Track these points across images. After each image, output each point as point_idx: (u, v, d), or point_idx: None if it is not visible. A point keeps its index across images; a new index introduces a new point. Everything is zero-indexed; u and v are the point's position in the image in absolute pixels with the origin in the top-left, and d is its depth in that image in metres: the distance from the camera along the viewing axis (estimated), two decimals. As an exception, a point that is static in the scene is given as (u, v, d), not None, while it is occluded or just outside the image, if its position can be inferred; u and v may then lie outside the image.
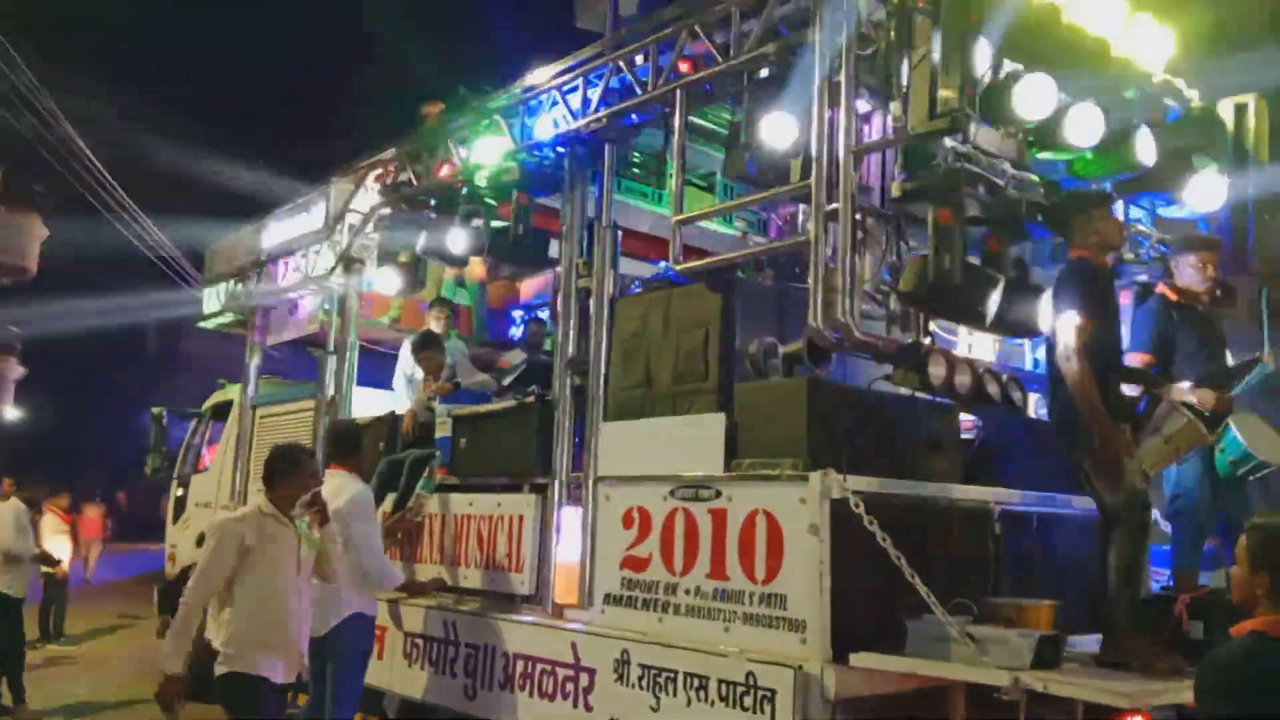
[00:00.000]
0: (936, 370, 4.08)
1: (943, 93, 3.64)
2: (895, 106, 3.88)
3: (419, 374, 6.95)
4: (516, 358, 7.44)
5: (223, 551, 4.45)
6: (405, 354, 7.54)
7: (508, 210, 6.06)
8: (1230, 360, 4.97)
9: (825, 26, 4.18)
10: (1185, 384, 4.26)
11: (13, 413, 26.75)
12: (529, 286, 9.21)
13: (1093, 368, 3.89)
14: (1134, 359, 4.52)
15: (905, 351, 4.16)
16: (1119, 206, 5.20)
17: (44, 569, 10.21)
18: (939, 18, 3.70)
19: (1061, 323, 3.98)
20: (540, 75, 5.73)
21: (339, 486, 5.16)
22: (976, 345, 5.05)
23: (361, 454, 5.56)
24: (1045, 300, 4.23)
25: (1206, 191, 5.21)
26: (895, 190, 4.10)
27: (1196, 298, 4.67)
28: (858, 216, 4.14)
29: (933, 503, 4.42)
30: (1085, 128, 4.13)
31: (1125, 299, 5.01)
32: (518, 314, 9.40)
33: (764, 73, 4.47)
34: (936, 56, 3.68)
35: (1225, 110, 5.40)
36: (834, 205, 4.05)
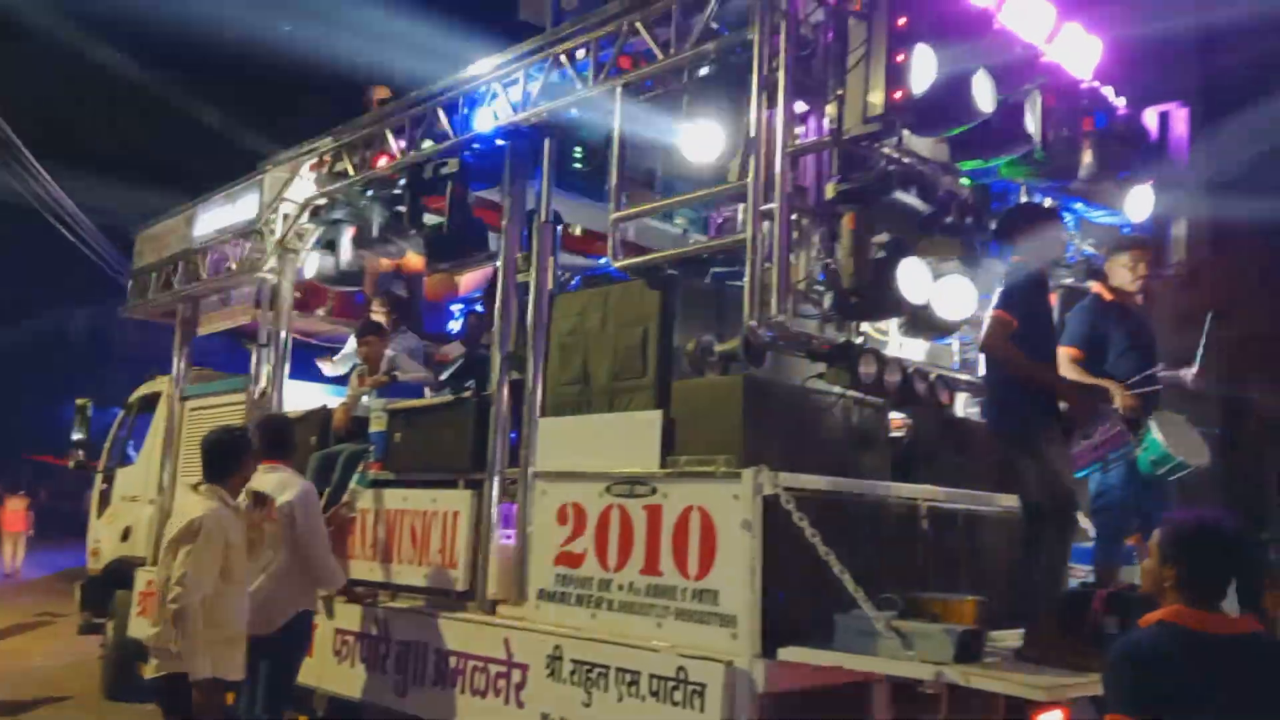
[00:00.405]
0: (867, 369, 4.16)
1: (874, 96, 3.71)
2: (831, 108, 3.94)
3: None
4: (455, 351, 7.39)
5: (214, 546, 4.40)
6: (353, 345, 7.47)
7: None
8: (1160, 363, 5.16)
9: (764, 27, 4.23)
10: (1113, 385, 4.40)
11: None
12: (468, 280, 9.15)
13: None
14: (1062, 353, 4.66)
15: (837, 350, 4.23)
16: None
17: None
18: (873, 21, 3.76)
19: (988, 319, 4.08)
20: (481, 67, 5.70)
21: (282, 482, 5.09)
22: (906, 346, 5.16)
23: (293, 449, 5.50)
24: (969, 301, 4.34)
25: (1135, 197, 5.39)
26: (829, 191, 4.17)
27: (1129, 297, 4.82)
28: (793, 217, 4.21)
29: (863, 500, 4.50)
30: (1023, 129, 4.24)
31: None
32: (457, 308, 9.33)
33: (703, 71, 4.50)
34: (870, 60, 3.74)
35: (1150, 118, 5.58)
36: (770, 205, 4.10)
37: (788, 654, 3.88)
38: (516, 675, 4.72)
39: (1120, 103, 5.39)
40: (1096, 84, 5.26)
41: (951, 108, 3.94)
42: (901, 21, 3.72)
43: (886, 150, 4.08)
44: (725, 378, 4.41)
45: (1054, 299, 5.08)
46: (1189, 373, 4.90)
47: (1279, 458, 14.36)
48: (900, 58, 3.72)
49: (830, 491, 4.30)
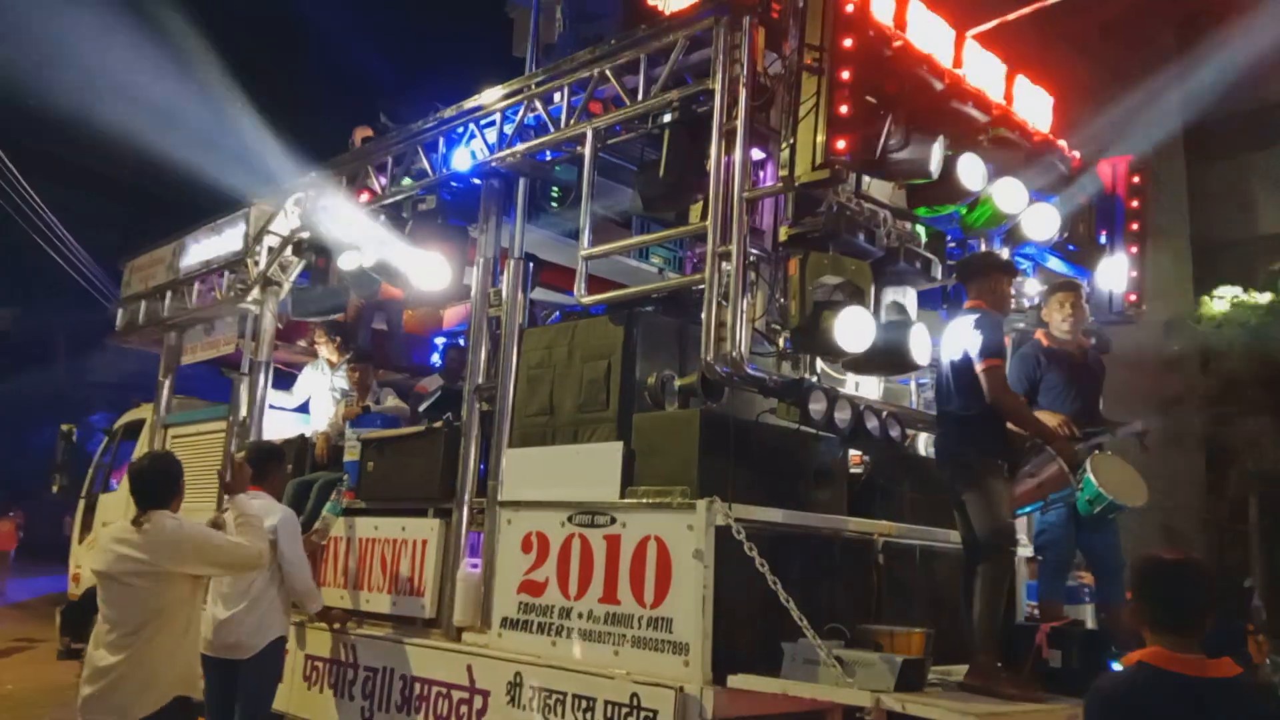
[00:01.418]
0: (816, 406, 4.32)
1: (822, 146, 3.90)
2: (784, 156, 4.13)
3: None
4: (433, 384, 7.54)
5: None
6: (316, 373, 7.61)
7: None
8: (1101, 405, 5.33)
9: (724, 77, 4.45)
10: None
11: None
12: (453, 314, 9.32)
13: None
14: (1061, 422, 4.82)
15: (788, 387, 4.39)
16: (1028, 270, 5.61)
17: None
18: (823, 75, 3.97)
19: (983, 369, 4.22)
20: (460, 107, 5.92)
21: (265, 508, 5.21)
22: (863, 384, 5.33)
23: (282, 474, 5.63)
24: (919, 343, 4.52)
25: (1083, 242, 5.60)
26: (782, 235, 4.36)
27: (1069, 341, 4.99)
28: (751, 258, 4.40)
29: (816, 532, 4.65)
30: (969, 182, 4.45)
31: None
32: (440, 340, 9.49)
33: (667, 118, 4.71)
34: (819, 111, 3.95)
35: (1103, 169, 5.81)
36: (726, 247, 4.29)
37: (737, 681, 4.01)
38: (478, 701, 4.83)
39: (1073, 155, 5.62)
40: (1050, 137, 5.48)
41: (901, 163, 4.13)
42: (846, 75, 3.92)
43: (840, 197, 4.26)
44: (683, 411, 4.57)
45: (1008, 341, 5.29)
46: (1134, 428, 5.07)
47: (1261, 502, 14.51)
48: (847, 110, 3.91)
49: (783, 524, 4.45)
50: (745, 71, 4.38)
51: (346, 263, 6.31)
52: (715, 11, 4.54)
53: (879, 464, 5.17)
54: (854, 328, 4.10)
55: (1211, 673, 2.59)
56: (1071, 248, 5.61)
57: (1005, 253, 5.59)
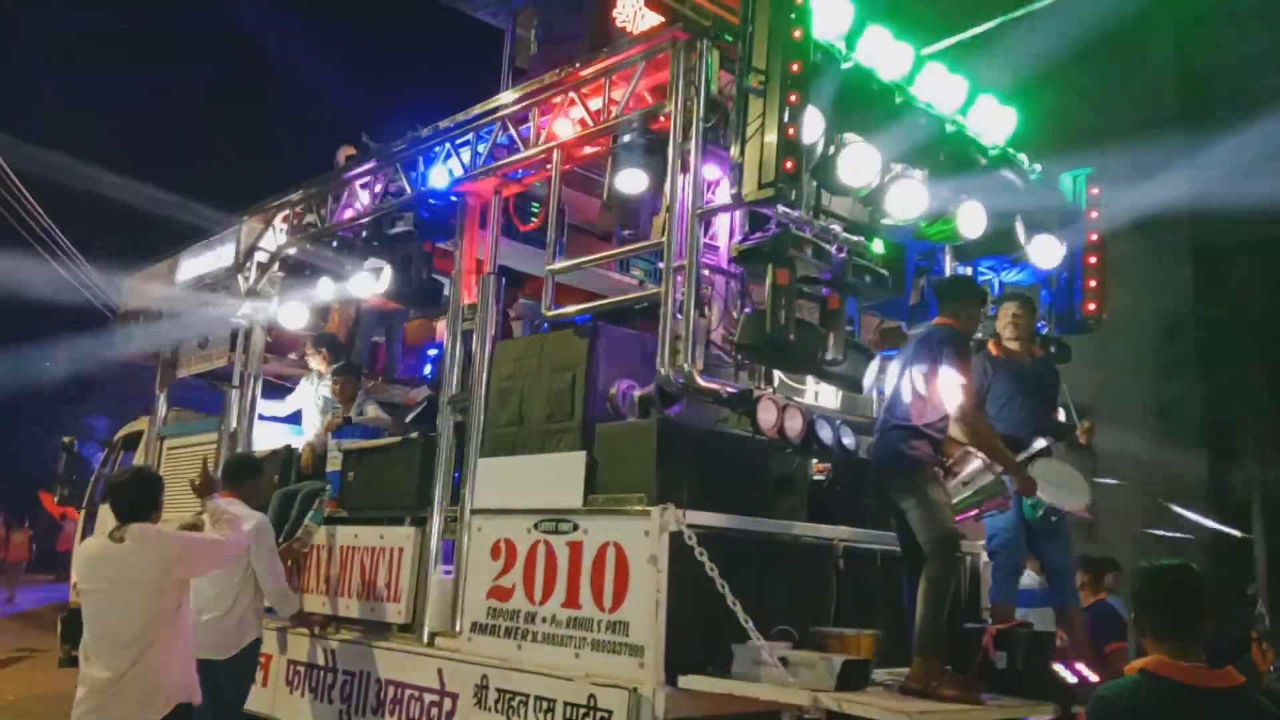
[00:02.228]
0: (765, 415, 4.48)
1: (768, 165, 4.07)
2: (734, 174, 4.30)
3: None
4: (421, 394, 7.72)
5: None
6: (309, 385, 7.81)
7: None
8: (1062, 415, 5.46)
9: (679, 100, 4.63)
10: None
11: None
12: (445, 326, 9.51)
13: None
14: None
15: (738, 398, 4.55)
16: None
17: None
18: (768, 97, 4.13)
19: (950, 384, 4.37)
20: (436, 127, 6.11)
21: (241, 514, 5.40)
22: (822, 394, 5.49)
23: (258, 484, 5.81)
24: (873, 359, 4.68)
25: (1042, 247, 5.73)
26: (733, 250, 4.52)
27: (1015, 351, 5.14)
28: (705, 272, 4.57)
29: (774, 538, 4.80)
30: (906, 201, 4.60)
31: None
32: (433, 352, 9.68)
33: (627, 138, 4.88)
34: (765, 132, 4.11)
35: (1065, 181, 5.95)
36: (680, 262, 4.46)
37: (687, 682, 4.16)
38: (448, 704, 4.99)
39: (1035, 167, 5.76)
40: (1010, 151, 5.64)
41: (843, 181, 4.30)
42: (793, 98, 4.08)
43: (794, 212, 4.42)
44: (642, 421, 4.73)
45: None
46: (1078, 431, 5.21)
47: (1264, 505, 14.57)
48: (792, 131, 4.08)
49: (738, 529, 4.60)
50: (699, 93, 4.57)
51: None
52: (673, 35, 4.73)
53: (841, 472, 5.31)
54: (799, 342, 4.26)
55: (1213, 682, 2.64)
56: (1027, 263, 5.73)
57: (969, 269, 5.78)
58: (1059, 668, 4.26)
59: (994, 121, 5.62)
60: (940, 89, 5.32)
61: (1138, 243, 15.42)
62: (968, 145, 5.28)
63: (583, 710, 4.33)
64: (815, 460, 5.35)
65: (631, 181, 4.78)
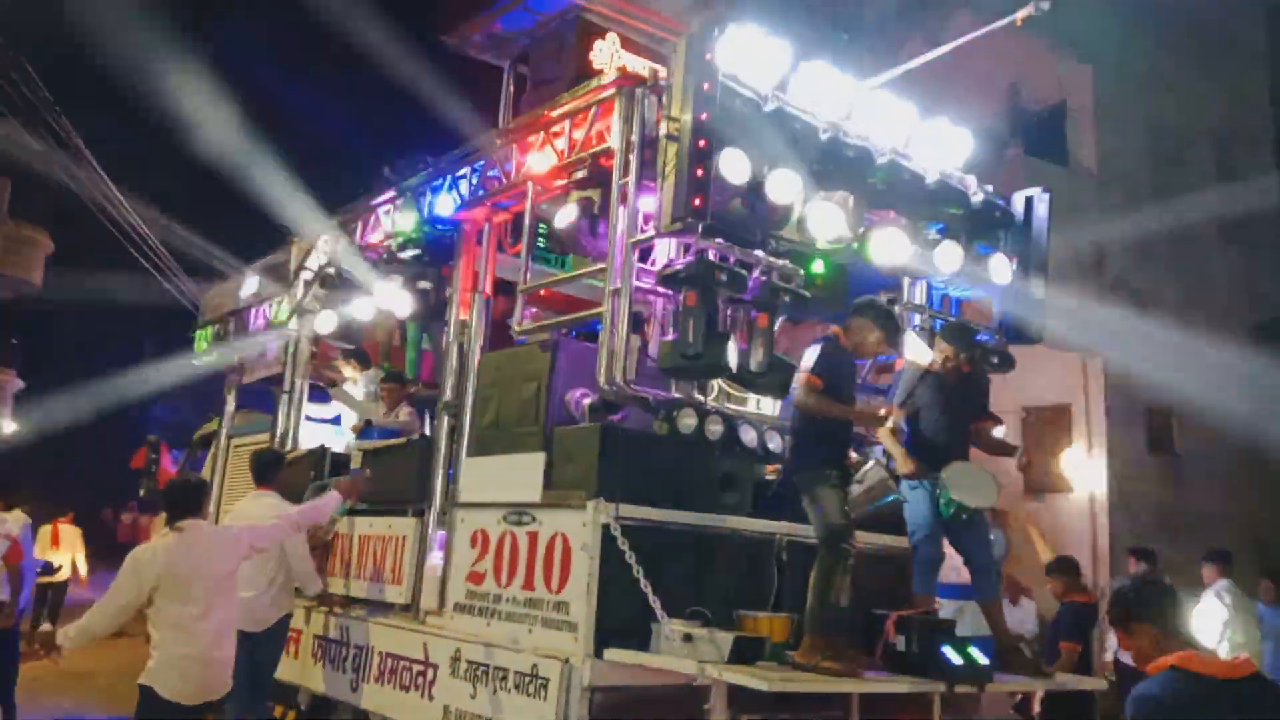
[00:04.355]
0: (686, 421, 5.10)
1: (679, 201, 4.71)
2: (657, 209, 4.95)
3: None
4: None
5: None
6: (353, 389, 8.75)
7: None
8: (1001, 432, 5.91)
9: (621, 140, 5.30)
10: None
11: (10, 426, 27.14)
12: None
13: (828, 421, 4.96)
14: (886, 410, 5.51)
15: (661, 405, 5.19)
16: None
17: (47, 579, 11.52)
18: (680, 144, 4.77)
19: (798, 379, 4.98)
20: (443, 160, 6.92)
21: (271, 505, 6.33)
22: (764, 403, 6.06)
23: (283, 476, 6.72)
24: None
25: (995, 266, 6.18)
26: (658, 276, 5.17)
27: (943, 366, 5.62)
28: (645, 294, 5.22)
29: (712, 531, 5.40)
30: (822, 224, 5.17)
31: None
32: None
33: (580, 174, 5.58)
34: (677, 173, 4.75)
35: (1018, 201, 6.37)
36: (616, 285, 5.14)
37: (610, 654, 4.83)
38: (430, 673, 5.77)
39: (984, 190, 6.20)
40: (958, 174, 6.09)
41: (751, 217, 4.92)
42: (701, 143, 4.71)
43: (712, 241, 5.03)
44: (589, 425, 5.40)
45: (900, 364, 5.95)
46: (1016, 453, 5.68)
47: None
48: (699, 172, 4.70)
49: (673, 522, 5.23)
50: (636, 136, 5.23)
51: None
52: (617, 83, 5.41)
53: (783, 472, 5.86)
54: (706, 355, 4.88)
55: (1238, 672, 2.95)
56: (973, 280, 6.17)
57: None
58: (949, 649, 4.75)
59: (944, 146, 6.09)
60: (881, 118, 5.83)
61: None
62: (900, 172, 5.76)
63: (527, 678, 5.05)
64: (768, 463, 5.93)
65: (564, 216, 5.48)
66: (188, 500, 5.30)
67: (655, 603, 4.69)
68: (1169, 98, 15.27)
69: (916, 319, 6.38)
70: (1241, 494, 14.29)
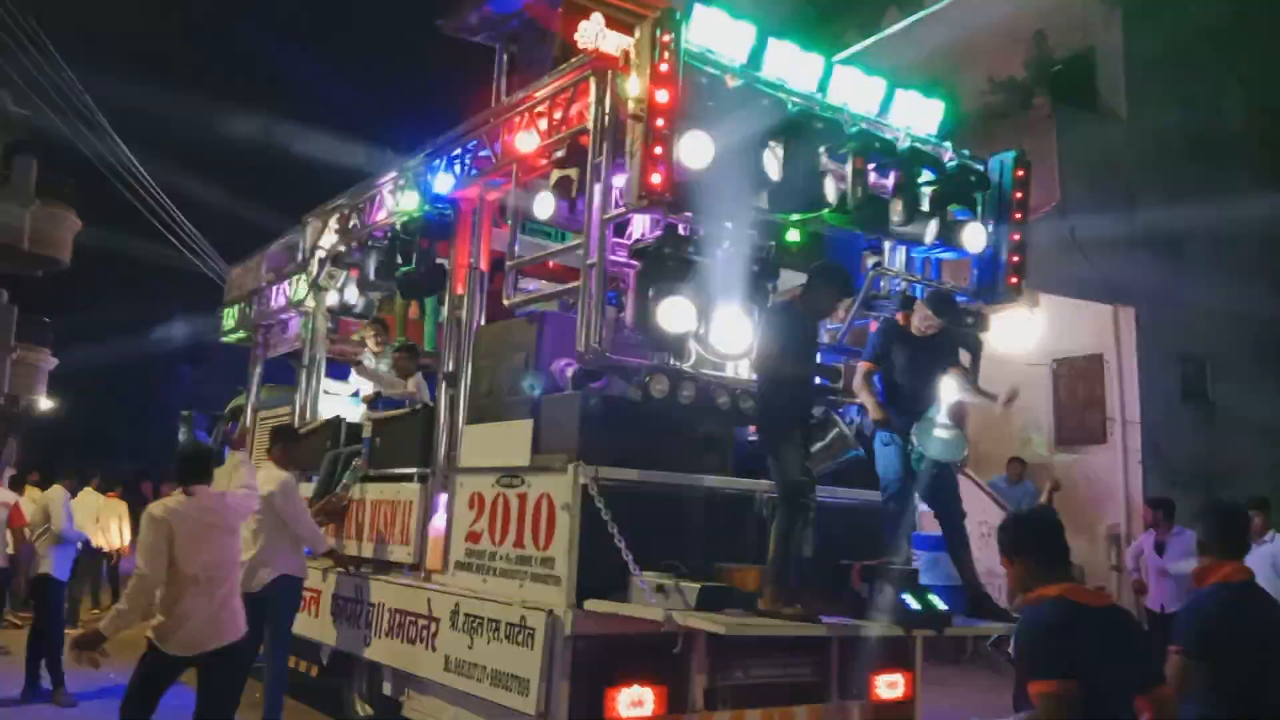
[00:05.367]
0: (658, 386, 5.52)
1: (640, 182, 5.10)
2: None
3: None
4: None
5: None
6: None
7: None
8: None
9: (594, 121, 5.68)
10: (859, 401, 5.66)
11: (46, 403, 28.27)
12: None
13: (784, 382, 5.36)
14: (860, 366, 5.89)
15: (633, 371, 5.61)
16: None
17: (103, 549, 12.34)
18: (643, 123, 5.15)
19: (761, 350, 5.38)
20: (440, 140, 7.35)
21: (268, 475, 6.88)
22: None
23: (291, 447, 7.26)
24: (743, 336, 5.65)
25: (970, 233, 6.49)
26: (630, 250, 5.57)
27: (923, 330, 5.96)
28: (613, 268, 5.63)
29: (691, 489, 5.82)
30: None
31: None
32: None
33: (559, 154, 5.97)
34: (640, 153, 5.13)
35: (995, 164, 6.66)
36: (591, 260, 5.55)
37: (590, 605, 5.30)
38: (433, 627, 6.31)
39: (958, 155, 6.50)
40: (926, 141, 6.40)
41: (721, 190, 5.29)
42: (660, 123, 5.08)
43: (680, 216, 5.41)
44: (572, 393, 5.85)
45: (874, 326, 6.31)
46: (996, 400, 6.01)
47: None
48: (659, 151, 5.08)
49: (652, 482, 5.66)
50: (609, 116, 5.61)
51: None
52: (591, 66, 5.78)
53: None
54: (673, 314, 5.29)
55: (1103, 602, 3.32)
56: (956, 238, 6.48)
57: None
58: (908, 596, 5.15)
59: (918, 115, 6.41)
60: (853, 90, 6.16)
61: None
62: (873, 141, 6.08)
63: (516, 629, 5.55)
64: (751, 425, 6.33)
65: (542, 204, 5.91)
66: (197, 467, 5.58)
67: (628, 556, 5.14)
68: (1200, 41, 15.15)
69: (899, 283, 6.70)
70: (1278, 441, 14.34)
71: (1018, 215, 6.54)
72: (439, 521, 6.72)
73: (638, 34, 5.28)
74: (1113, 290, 14.10)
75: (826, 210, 5.95)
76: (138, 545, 5.47)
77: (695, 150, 5.28)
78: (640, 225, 6.44)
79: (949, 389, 5.92)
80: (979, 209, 6.58)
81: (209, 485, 5.68)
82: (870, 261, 6.91)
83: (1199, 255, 14.16)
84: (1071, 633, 3.15)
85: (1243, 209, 15.51)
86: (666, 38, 5.16)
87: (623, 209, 5.49)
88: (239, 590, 5.53)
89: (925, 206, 6.33)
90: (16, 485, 11.04)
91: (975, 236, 6.43)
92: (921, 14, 17.05)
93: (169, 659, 5.16)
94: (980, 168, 6.64)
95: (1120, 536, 13.54)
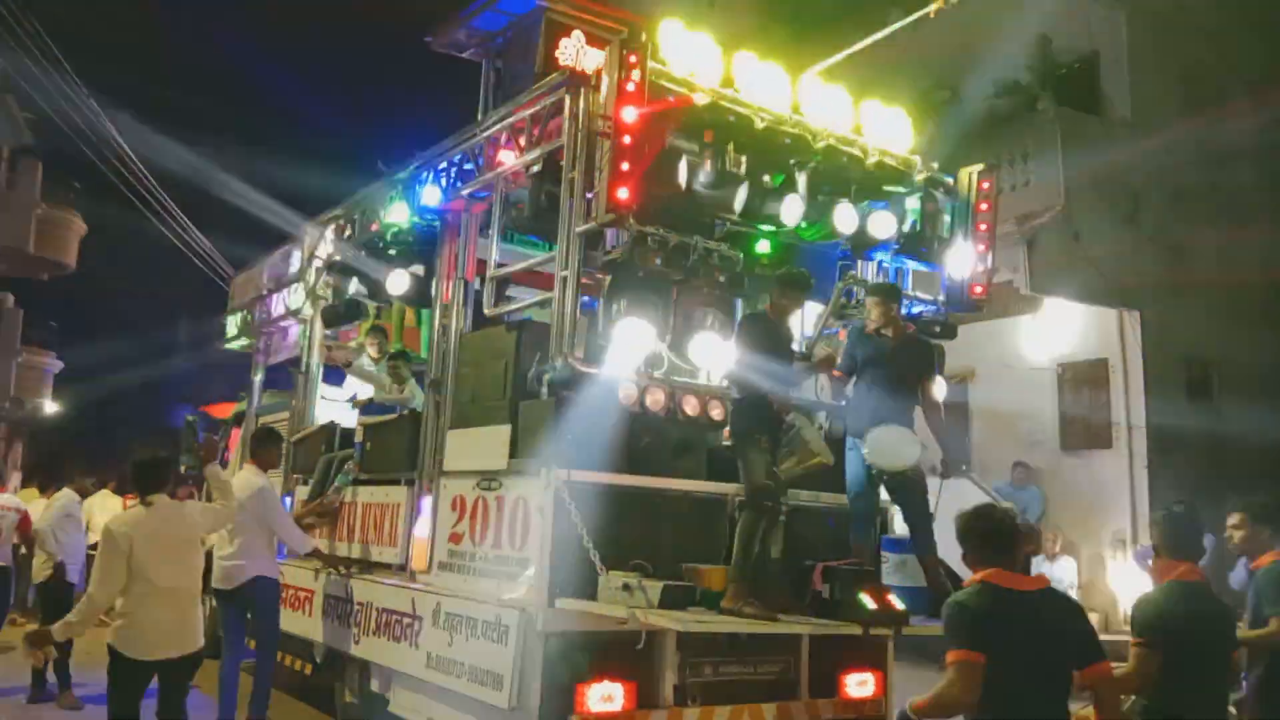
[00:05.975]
0: (625, 393, 5.80)
1: (607, 198, 5.39)
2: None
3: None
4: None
5: None
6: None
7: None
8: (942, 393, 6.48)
9: (568, 135, 5.98)
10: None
11: (51, 406, 28.62)
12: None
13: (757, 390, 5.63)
14: (833, 375, 6.16)
15: (605, 379, 5.89)
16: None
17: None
18: (612, 141, 5.44)
19: (736, 360, 5.65)
20: (429, 154, 7.66)
21: (245, 479, 7.22)
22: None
23: (272, 449, 7.61)
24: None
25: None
26: (600, 260, 5.86)
27: (878, 332, 6.21)
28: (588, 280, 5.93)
29: (662, 493, 6.09)
30: (788, 211, 5.84)
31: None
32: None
33: (536, 168, 6.26)
34: (609, 169, 5.42)
35: (962, 177, 6.91)
36: (564, 271, 5.84)
37: (561, 603, 5.59)
38: (416, 625, 6.61)
39: (926, 170, 6.75)
40: (888, 154, 6.66)
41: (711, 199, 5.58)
42: (626, 140, 5.37)
43: (645, 228, 5.70)
44: (547, 399, 6.13)
45: (844, 335, 6.57)
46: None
47: None
48: (626, 166, 5.37)
49: (623, 486, 5.93)
50: (582, 131, 5.90)
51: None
52: (565, 84, 6.08)
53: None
54: (634, 331, 5.58)
55: (1031, 586, 3.73)
56: (923, 249, 6.74)
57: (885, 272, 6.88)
58: (866, 596, 5.41)
59: (885, 127, 6.67)
60: (822, 105, 6.43)
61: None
62: (838, 156, 6.35)
63: (492, 626, 5.84)
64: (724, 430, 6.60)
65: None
66: (156, 476, 5.64)
67: (595, 556, 5.42)
68: (1204, 44, 15.30)
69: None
70: (1285, 443, 14.43)
71: (982, 226, 6.78)
72: (424, 523, 7.02)
73: (609, 50, 5.56)
74: (1118, 294, 14.24)
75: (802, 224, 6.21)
76: (95, 562, 5.52)
77: (663, 166, 5.56)
78: (615, 238, 6.72)
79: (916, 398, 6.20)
80: (949, 220, 6.83)
81: (166, 493, 5.74)
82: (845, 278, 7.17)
83: (1204, 259, 14.29)
84: (985, 612, 3.59)
85: (1248, 213, 15.66)
86: (633, 57, 5.44)
87: (592, 223, 5.78)
88: (199, 601, 5.72)
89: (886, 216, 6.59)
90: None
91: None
92: (921, 13, 17.29)
93: (132, 663, 5.36)
94: (950, 180, 6.89)
95: (1126, 541, 13.69)
